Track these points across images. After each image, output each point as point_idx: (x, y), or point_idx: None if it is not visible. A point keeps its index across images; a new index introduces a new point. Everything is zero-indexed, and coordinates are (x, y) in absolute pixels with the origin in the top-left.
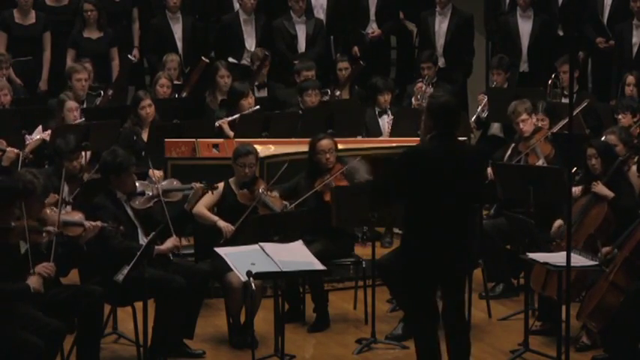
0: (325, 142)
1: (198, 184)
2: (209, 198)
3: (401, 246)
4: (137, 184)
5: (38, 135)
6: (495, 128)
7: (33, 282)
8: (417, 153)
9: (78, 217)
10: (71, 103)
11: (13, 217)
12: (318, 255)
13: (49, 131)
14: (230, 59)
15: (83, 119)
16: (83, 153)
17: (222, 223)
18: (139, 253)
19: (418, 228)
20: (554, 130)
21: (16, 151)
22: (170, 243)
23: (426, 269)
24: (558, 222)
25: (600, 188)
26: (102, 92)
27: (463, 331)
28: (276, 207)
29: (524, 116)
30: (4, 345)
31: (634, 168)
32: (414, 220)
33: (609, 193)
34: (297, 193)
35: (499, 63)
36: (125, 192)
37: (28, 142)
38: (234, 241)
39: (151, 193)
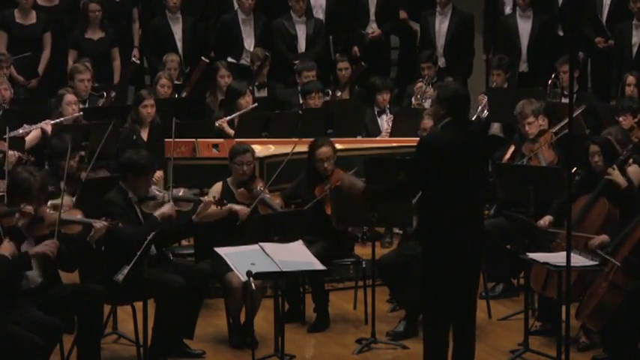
0: (324, 151)
1: (207, 198)
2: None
3: (424, 242)
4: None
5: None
6: (495, 128)
7: (5, 248)
8: (435, 141)
9: (77, 215)
10: (70, 97)
11: None
12: (318, 255)
13: (47, 121)
14: (229, 59)
15: (82, 113)
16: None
17: (237, 206)
18: (139, 253)
19: (441, 220)
20: (554, 130)
21: (17, 153)
22: (167, 208)
23: (453, 262)
24: (547, 218)
25: (616, 175)
26: (104, 94)
27: (470, 332)
28: (276, 204)
29: (530, 118)
30: (5, 343)
31: (633, 167)
32: (435, 212)
33: (623, 182)
34: (298, 197)
35: (499, 63)
36: (137, 194)
37: (22, 131)
38: (234, 241)
39: (162, 199)
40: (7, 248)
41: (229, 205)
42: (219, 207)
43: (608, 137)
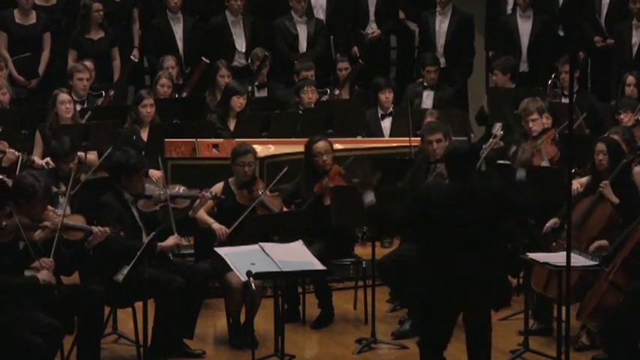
0: (321, 145)
1: (206, 195)
2: (210, 202)
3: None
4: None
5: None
6: (497, 128)
7: (43, 275)
8: (428, 194)
9: (80, 221)
10: (64, 96)
11: (3, 217)
12: (317, 256)
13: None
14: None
15: (78, 112)
16: (83, 153)
17: (216, 226)
18: (139, 253)
19: (431, 267)
20: (557, 130)
21: (17, 153)
22: (172, 240)
23: (442, 307)
24: (552, 220)
25: (608, 192)
26: (103, 93)
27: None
28: (275, 207)
29: (534, 115)
30: (7, 345)
31: (637, 168)
32: (427, 259)
33: (615, 200)
34: (298, 196)
35: (499, 63)
36: (133, 193)
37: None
38: (233, 241)
39: (158, 197)
40: (44, 275)
41: (211, 222)
42: (215, 202)
43: (614, 138)
